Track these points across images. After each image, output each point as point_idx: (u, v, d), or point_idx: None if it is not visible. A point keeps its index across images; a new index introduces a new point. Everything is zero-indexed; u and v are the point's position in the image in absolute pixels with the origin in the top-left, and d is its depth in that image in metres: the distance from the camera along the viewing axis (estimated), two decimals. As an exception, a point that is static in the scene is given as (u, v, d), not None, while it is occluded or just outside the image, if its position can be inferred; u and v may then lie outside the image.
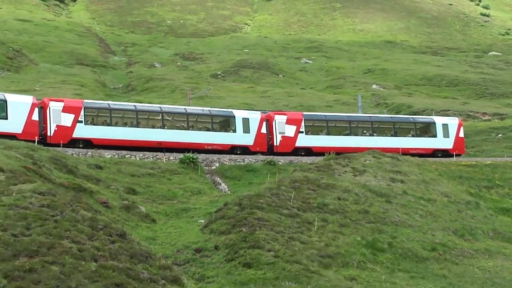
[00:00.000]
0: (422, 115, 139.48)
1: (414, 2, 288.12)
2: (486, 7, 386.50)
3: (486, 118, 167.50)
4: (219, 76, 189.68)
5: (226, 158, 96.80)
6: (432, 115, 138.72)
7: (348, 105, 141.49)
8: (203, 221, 73.00)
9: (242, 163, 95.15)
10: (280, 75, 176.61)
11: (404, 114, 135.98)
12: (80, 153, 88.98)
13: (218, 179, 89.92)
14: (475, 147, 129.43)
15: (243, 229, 67.25)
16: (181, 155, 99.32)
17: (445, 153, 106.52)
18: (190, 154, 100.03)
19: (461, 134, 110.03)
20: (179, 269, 56.93)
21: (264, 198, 74.29)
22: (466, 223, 78.75)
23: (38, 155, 73.62)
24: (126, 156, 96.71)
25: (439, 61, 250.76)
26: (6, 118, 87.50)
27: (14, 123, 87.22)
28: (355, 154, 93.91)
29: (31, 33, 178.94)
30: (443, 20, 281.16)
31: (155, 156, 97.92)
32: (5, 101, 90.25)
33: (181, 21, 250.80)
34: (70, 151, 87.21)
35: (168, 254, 61.63)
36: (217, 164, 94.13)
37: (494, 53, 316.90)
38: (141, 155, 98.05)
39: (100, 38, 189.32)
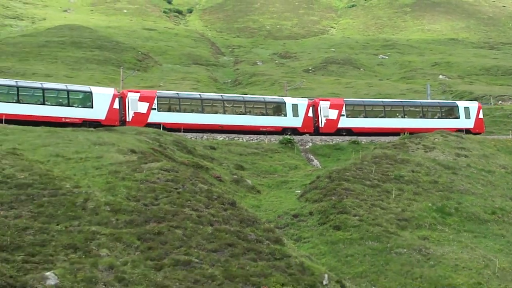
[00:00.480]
0: (481, 100, 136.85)
1: (473, 5, 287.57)
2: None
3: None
4: (310, 71, 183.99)
5: (317, 139, 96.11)
6: (490, 100, 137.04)
7: (419, 93, 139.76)
8: (299, 191, 73.81)
9: (331, 143, 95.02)
10: (361, 69, 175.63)
11: (466, 100, 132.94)
12: (197, 137, 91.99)
13: (311, 156, 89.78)
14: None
15: (333, 197, 68.20)
16: (280, 137, 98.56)
17: (467, 131, 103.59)
18: (288, 136, 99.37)
19: (481, 116, 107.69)
20: (280, 231, 57.69)
21: (350, 171, 75.11)
22: (521, 190, 78.69)
23: (163, 139, 74.71)
24: (235, 138, 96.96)
25: (496, 54, 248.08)
26: (92, 107, 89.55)
27: (99, 111, 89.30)
28: (425, 133, 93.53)
29: (155, 40, 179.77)
30: (498, 19, 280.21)
31: (259, 138, 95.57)
32: (91, 92, 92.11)
33: (278, 26, 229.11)
34: (189, 135, 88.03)
35: (270, 219, 62.47)
36: (310, 144, 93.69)
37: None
38: (247, 137, 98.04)
39: (212, 42, 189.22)
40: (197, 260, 45.44)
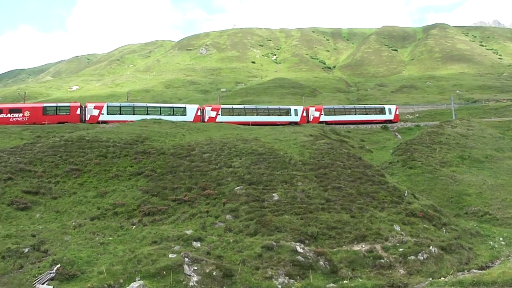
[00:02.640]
0: (477, 101, 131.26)
1: (474, 55, 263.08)
2: None
3: None
4: (392, 92, 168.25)
5: (399, 125, 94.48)
6: (482, 101, 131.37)
7: (446, 99, 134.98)
8: (391, 150, 73.00)
9: (406, 126, 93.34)
10: (418, 89, 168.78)
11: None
12: (343, 127, 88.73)
13: (397, 133, 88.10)
14: None
15: (408, 153, 67.18)
16: (381, 124, 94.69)
17: (389, 122, 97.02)
18: (384, 123, 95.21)
19: (397, 112, 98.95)
20: (383, 170, 57.14)
21: (416, 140, 74.02)
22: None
23: (325, 128, 75.26)
24: (359, 126, 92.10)
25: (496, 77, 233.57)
26: (186, 115, 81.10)
27: (189, 117, 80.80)
28: (450, 119, 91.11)
29: (319, 81, 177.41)
30: (487, 64, 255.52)
31: (370, 126, 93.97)
32: (185, 107, 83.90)
33: (376, 71, 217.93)
34: (337, 126, 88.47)
35: (378, 164, 61.97)
36: (395, 128, 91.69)
37: None
38: (363, 126, 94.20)
39: (345, 81, 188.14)
40: (343, 186, 45.60)
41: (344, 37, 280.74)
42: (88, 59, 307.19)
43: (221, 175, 47.10)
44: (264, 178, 46.11)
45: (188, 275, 30.80)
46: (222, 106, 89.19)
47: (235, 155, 52.39)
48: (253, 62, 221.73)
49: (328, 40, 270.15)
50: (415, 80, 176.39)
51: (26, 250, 34.96)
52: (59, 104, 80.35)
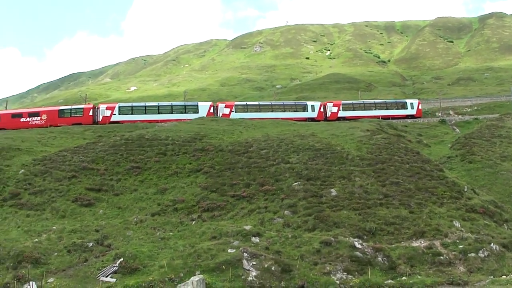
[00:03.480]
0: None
1: None
2: None
3: None
4: (449, 84, 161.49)
5: (457, 118, 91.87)
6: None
7: (506, 91, 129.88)
8: (450, 144, 71.04)
9: (464, 120, 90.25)
10: (476, 81, 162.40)
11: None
12: (400, 121, 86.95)
13: (455, 127, 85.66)
14: None
15: (467, 147, 65.16)
16: (439, 118, 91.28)
17: (411, 116, 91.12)
18: (442, 117, 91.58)
19: (420, 107, 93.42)
20: (441, 165, 55.79)
21: (475, 133, 71.64)
22: None
23: (381, 123, 74.31)
24: (417, 120, 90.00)
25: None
26: (198, 112, 79.53)
27: (202, 114, 79.18)
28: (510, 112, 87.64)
29: (374, 76, 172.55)
30: None
31: (427, 119, 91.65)
32: (197, 104, 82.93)
33: (432, 63, 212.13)
34: (395, 121, 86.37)
35: (436, 159, 60.44)
36: (453, 121, 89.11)
37: None
38: (422, 120, 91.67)
39: (401, 74, 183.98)
40: (401, 181, 44.86)
41: (397, 30, 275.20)
42: (144, 60, 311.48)
43: (279, 171, 47.11)
44: (321, 174, 45.89)
45: (247, 269, 31.03)
46: (236, 102, 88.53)
47: (293, 151, 52.30)
48: (307, 58, 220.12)
49: (381, 33, 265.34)
50: (472, 72, 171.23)
51: (90, 244, 36.11)
52: (73, 107, 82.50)
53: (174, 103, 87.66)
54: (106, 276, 31.60)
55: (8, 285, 30.62)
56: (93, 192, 46.12)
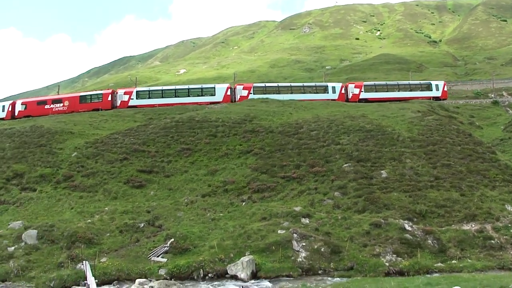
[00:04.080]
0: None
1: None
2: None
3: None
4: (503, 65, 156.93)
5: (510, 100, 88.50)
6: None
7: None
8: (502, 126, 68.97)
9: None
10: None
11: None
12: (452, 102, 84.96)
13: (508, 109, 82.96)
14: None
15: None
16: (492, 100, 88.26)
17: (437, 99, 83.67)
18: (495, 98, 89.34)
19: (445, 89, 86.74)
20: (494, 147, 54.33)
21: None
22: None
23: (433, 104, 71.41)
24: (469, 102, 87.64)
25: None
26: (215, 95, 78.18)
27: (219, 97, 78.10)
28: None
29: (425, 56, 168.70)
30: None
31: (484, 100, 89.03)
32: (214, 87, 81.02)
33: (484, 44, 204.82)
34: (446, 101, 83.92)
35: (488, 141, 58.80)
36: (506, 103, 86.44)
37: None
38: (474, 100, 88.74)
39: (452, 54, 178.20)
40: (453, 163, 44.01)
41: (449, 9, 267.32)
42: (193, 43, 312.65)
43: (329, 152, 46.86)
44: (372, 155, 45.44)
45: (297, 250, 31.17)
46: (254, 84, 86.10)
47: (343, 132, 51.84)
48: (357, 39, 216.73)
49: (432, 13, 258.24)
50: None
51: (142, 225, 36.94)
52: (93, 92, 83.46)
53: (191, 86, 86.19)
54: (157, 256, 32.26)
55: (63, 264, 31.73)
56: (144, 174, 46.98)
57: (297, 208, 36.79)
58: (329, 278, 28.83)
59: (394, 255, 31.11)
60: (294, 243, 31.65)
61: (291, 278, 28.95)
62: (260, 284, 28.06)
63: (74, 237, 34.46)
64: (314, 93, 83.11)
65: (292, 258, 30.59)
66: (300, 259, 30.50)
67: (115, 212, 39.25)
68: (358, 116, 58.26)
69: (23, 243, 34.88)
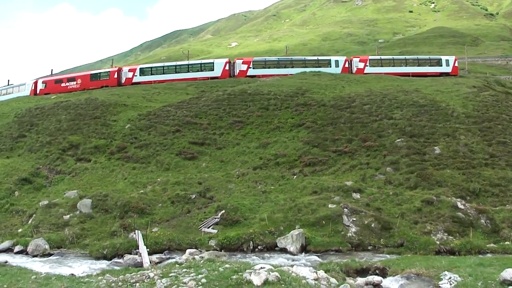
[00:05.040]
0: None
1: None
2: None
3: None
4: None
5: None
6: None
7: None
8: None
9: None
10: None
11: None
12: (509, 77, 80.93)
13: None
14: None
15: None
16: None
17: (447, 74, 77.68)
18: None
19: (456, 64, 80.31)
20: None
21: None
22: None
23: (489, 80, 68.13)
24: None
25: None
26: (213, 70, 78.25)
27: (217, 72, 77.98)
28: None
29: (481, 30, 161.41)
30: None
31: None
32: (213, 62, 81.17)
33: None
34: (503, 76, 79.92)
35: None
36: None
37: None
38: None
39: (509, 27, 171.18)
40: (509, 141, 42.30)
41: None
42: (245, 16, 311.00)
43: (381, 127, 45.75)
44: (425, 131, 44.07)
45: (347, 225, 30.64)
46: (254, 58, 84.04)
47: (396, 107, 50.46)
48: (411, 12, 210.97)
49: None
50: None
51: (193, 196, 37.05)
52: (101, 71, 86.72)
53: (190, 62, 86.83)
54: (208, 227, 32.29)
55: (115, 233, 32.28)
56: (196, 146, 47.12)
57: (349, 183, 36.11)
58: (379, 254, 28.11)
59: (445, 234, 29.99)
60: (345, 217, 31.10)
61: (340, 253, 28.36)
62: (309, 258, 27.55)
63: (127, 207, 35.07)
64: (316, 67, 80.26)
65: (342, 233, 30.06)
66: (350, 234, 29.95)
67: (167, 183, 39.53)
68: (411, 90, 56.57)
69: (78, 212, 35.72)
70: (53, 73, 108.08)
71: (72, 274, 23.60)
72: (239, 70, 78.75)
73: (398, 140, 42.59)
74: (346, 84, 63.04)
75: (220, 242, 29.85)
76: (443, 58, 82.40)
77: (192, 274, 17.85)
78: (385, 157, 40.11)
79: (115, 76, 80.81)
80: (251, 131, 49.73)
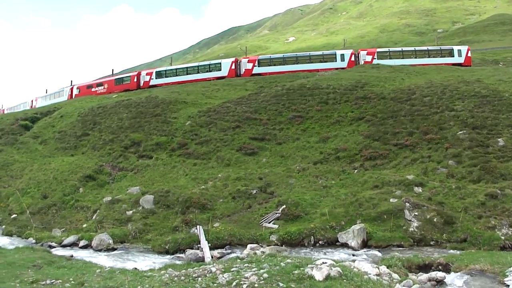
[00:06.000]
0: None
1: None
2: None
3: None
4: None
5: None
6: None
7: None
8: None
9: None
10: None
11: None
12: None
13: None
14: None
15: None
16: None
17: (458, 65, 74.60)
18: None
19: (469, 55, 76.50)
20: None
21: None
22: None
23: None
24: None
25: None
26: (221, 70, 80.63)
27: (224, 71, 79.93)
28: None
29: None
30: None
31: None
32: (220, 62, 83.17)
33: None
34: None
35: None
36: None
37: None
38: None
39: None
40: None
41: None
42: (301, 10, 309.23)
43: (443, 119, 44.24)
44: (488, 122, 42.23)
45: (409, 220, 29.85)
46: (259, 57, 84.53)
47: (457, 98, 48.56)
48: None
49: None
50: None
51: (254, 191, 37.03)
52: (124, 76, 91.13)
53: (200, 63, 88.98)
54: (269, 223, 32.18)
55: (177, 228, 32.61)
56: (256, 141, 47.15)
57: (410, 177, 35.17)
58: (441, 250, 27.18)
59: (511, 229, 28.72)
60: (406, 212, 30.29)
61: (402, 248, 27.57)
62: (370, 253, 26.99)
63: (189, 203, 35.39)
64: (321, 61, 79.41)
65: (404, 227, 29.27)
66: (412, 229, 29.11)
67: (228, 179, 39.67)
68: (473, 81, 54.48)
69: (140, 208, 36.35)
70: (113, 73, 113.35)
71: (136, 268, 24.12)
72: (245, 69, 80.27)
73: (460, 132, 41.04)
74: (406, 76, 61.52)
75: (281, 237, 29.64)
76: (455, 48, 79.39)
77: (253, 269, 17.74)
78: (447, 150, 38.73)
79: (135, 80, 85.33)
80: (311, 125, 49.31)
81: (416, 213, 30.13)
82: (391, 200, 31.84)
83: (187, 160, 45.44)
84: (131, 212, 36.06)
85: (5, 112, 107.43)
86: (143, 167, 45.56)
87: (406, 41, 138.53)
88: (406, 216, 30.04)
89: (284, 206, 33.33)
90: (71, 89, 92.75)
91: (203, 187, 38.52)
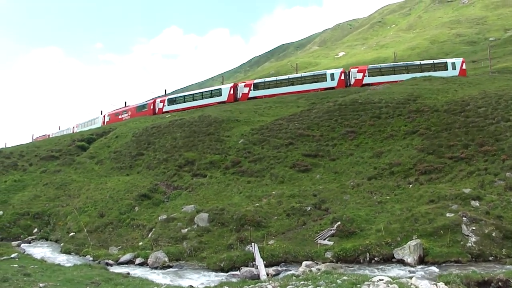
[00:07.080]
0: None
1: None
2: None
3: None
4: None
5: None
6: None
7: None
8: None
9: None
10: None
11: None
12: None
13: None
14: None
15: None
16: None
17: None
18: None
19: (464, 67, 74.68)
20: None
21: None
22: None
23: None
24: None
25: None
26: (221, 95, 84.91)
27: (224, 96, 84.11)
28: None
29: None
30: None
31: None
32: (220, 88, 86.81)
33: None
34: None
35: None
36: None
37: None
38: None
39: None
40: None
41: None
42: (350, 25, 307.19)
43: (499, 130, 42.64)
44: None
45: (466, 235, 28.64)
46: (255, 81, 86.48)
47: (513, 108, 46.87)
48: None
49: None
50: None
51: (308, 208, 36.68)
52: (142, 103, 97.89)
53: (204, 90, 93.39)
54: (324, 239, 31.66)
55: (232, 246, 32.46)
56: (309, 158, 46.86)
57: (466, 190, 33.91)
58: (501, 265, 25.79)
59: None
60: (464, 227, 29.11)
61: (460, 264, 26.47)
62: (427, 269, 26.09)
63: (243, 220, 35.27)
64: (313, 82, 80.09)
65: (461, 243, 28.06)
66: (470, 244, 27.90)
67: (282, 196, 39.45)
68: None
69: (195, 226, 36.50)
70: (166, 93, 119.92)
71: (191, 286, 24.31)
72: (242, 93, 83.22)
73: (518, 143, 39.56)
74: (459, 88, 60.00)
75: (336, 254, 29.09)
76: (449, 61, 76.90)
77: (310, 286, 17.67)
78: (504, 161, 37.15)
79: (152, 107, 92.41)
80: (364, 140, 48.70)
81: (474, 228, 28.95)
82: (448, 214, 30.74)
83: (241, 178, 45.54)
84: (186, 230, 36.24)
85: (51, 136, 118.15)
86: (197, 186, 45.88)
87: (457, 52, 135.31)
88: (463, 231, 28.91)
89: (339, 222, 32.80)
90: (104, 117, 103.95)
91: (257, 204, 38.42)
